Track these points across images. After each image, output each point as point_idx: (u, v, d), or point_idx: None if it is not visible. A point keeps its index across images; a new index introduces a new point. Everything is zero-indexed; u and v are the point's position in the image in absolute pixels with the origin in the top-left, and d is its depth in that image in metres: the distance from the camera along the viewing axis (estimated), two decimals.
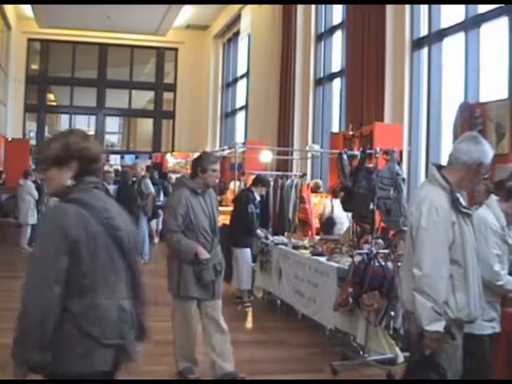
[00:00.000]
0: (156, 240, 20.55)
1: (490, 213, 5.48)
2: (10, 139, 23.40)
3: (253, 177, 12.14)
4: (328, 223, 12.57)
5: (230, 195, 15.66)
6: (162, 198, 19.15)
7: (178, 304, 7.05)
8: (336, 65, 17.69)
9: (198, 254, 6.65)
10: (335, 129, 17.03)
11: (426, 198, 4.66)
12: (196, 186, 6.84)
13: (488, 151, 4.73)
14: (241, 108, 26.53)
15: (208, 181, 6.89)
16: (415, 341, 4.72)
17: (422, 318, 4.43)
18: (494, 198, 5.62)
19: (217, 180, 7.23)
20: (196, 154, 21.64)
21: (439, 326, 4.40)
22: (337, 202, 11.30)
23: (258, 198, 11.48)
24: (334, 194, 12.42)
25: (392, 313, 7.52)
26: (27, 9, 26.88)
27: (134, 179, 16.13)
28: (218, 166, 7.00)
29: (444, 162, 4.89)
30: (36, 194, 18.16)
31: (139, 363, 7.71)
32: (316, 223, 13.07)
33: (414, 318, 4.68)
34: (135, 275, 3.94)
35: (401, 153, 11.27)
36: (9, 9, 26.74)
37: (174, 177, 23.94)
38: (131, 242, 3.84)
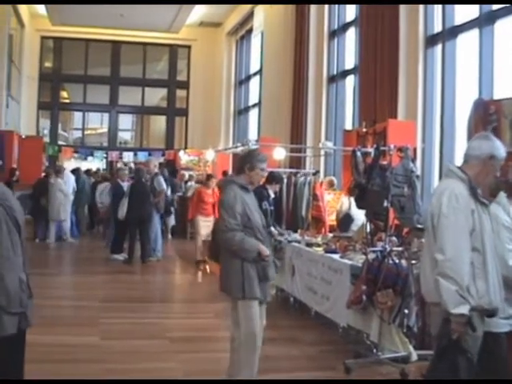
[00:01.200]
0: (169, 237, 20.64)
1: (500, 209, 5.49)
2: (23, 136, 23.46)
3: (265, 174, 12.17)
4: (345, 220, 12.55)
5: None
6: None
7: (243, 308, 6.44)
8: (349, 62, 17.65)
9: (261, 252, 6.32)
10: (348, 126, 16.99)
11: (445, 188, 4.83)
12: (245, 182, 6.56)
13: (498, 145, 4.92)
14: (254, 105, 26.52)
15: (254, 179, 6.63)
16: (441, 327, 4.72)
17: (448, 302, 4.49)
18: (502, 194, 5.63)
19: (329, 179, 7.01)
20: (208, 152, 21.70)
21: (465, 309, 4.48)
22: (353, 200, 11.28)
23: (272, 195, 11.46)
24: (349, 192, 12.41)
25: (406, 311, 7.49)
26: (40, 7, 27.00)
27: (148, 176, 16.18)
28: (266, 165, 6.80)
29: (458, 159, 4.99)
30: (66, 190, 18.46)
31: (153, 360, 7.78)
32: (330, 220, 13.05)
33: (435, 311, 4.72)
34: (24, 250, 4.33)
35: (415, 150, 11.22)
36: (22, 7, 26.85)
37: (187, 174, 24.07)
38: (23, 222, 4.31)
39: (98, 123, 35.14)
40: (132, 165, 26.64)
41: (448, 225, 4.64)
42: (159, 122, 34.12)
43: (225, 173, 20.20)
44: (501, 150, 4.92)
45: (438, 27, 13.17)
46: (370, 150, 10.07)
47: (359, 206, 9.55)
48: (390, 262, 7.76)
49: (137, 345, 8.40)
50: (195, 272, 14.91)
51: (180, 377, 7.11)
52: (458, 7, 12.71)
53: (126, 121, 34.85)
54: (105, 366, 7.28)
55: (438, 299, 4.62)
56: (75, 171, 21.49)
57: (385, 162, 9.23)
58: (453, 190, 4.73)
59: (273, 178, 11.51)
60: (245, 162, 6.66)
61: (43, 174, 20.39)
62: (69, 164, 25.97)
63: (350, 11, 17.59)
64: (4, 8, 23.70)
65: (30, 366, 7.22)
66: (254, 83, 26.76)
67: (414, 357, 7.53)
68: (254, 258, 6.29)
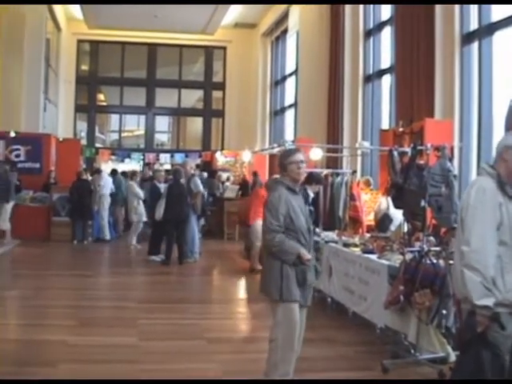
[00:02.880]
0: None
1: None
2: (61, 139, 23.67)
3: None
4: (384, 221, 12.50)
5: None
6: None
7: (281, 310, 6.33)
8: (385, 61, 17.59)
9: (301, 255, 6.18)
10: (385, 126, 16.93)
11: (474, 184, 4.91)
12: (292, 184, 6.39)
13: None
14: (290, 106, 26.51)
15: (293, 176, 6.38)
16: (466, 319, 4.72)
17: (472, 294, 4.49)
18: None
19: (304, 173, 6.57)
20: (245, 153, 21.77)
21: (489, 301, 4.47)
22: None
23: (312, 196, 11.42)
24: (387, 192, 12.36)
25: (444, 311, 7.44)
26: (77, 10, 27.23)
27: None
28: (300, 157, 6.43)
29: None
30: (140, 193, 18.60)
31: (190, 360, 7.81)
32: (367, 221, 13.01)
33: (464, 308, 4.70)
34: None
35: (452, 149, 11.14)
36: (59, 11, 27.11)
37: (223, 175, 24.18)
38: None
39: (134, 125, 35.36)
40: (169, 166, 26.87)
41: (474, 216, 4.66)
42: (196, 124, 34.23)
43: (255, 173, 20.28)
44: None
45: (474, 25, 13.07)
46: (407, 149, 10.03)
47: (396, 206, 9.52)
48: (428, 262, 7.71)
49: (174, 345, 8.44)
50: (233, 273, 14.94)
51: (218, 378, 7.12)
52: (494, 4, 12.61)
53: (162, 122, 35.00)
54: (142, 367, 7.32)
55: (465, 293, 4.61)
56: (113, 173, 21.69)
57: (422, 162, 9.18)
58: (481, 184, 4.77)
59: (312, 178, 11.46)
60: (279, 164, 6.54)
61: (79, 176, 20.55)
62: (106, 166, 26.14)
63: (386, 10, 17.53)
64: (41, 12, 23.97)
65: (70, 366, 7.33)
66: (290, 84, 26.77)
67: (453, 357, 7.47)
68: (293, 261, 6.20)
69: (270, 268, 6.39)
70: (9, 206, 18.37)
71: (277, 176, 7.45)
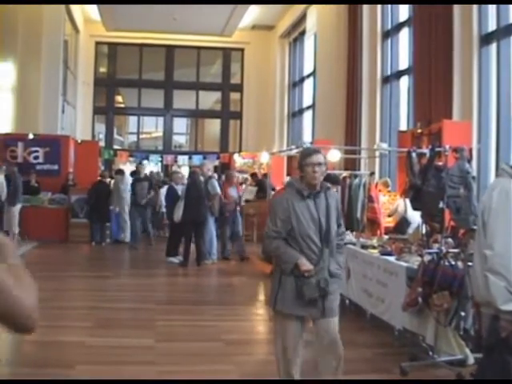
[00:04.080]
0: None
1: None
2: (79, 141, 23.77)
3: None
4: (402, 223, 12.48)
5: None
6: None
7: (275, 320, 6.14)
8: (403, 62, 17.55)
9: (299, 266, 5.72)
10: (403, 127, 16.90)
11: (496, 186, 4.81)
12: (303, 186, 5.91)
13: None
14: (308, 107, 26.50)
15: (308, 179, 5.88)
16: (489, 324, 4.67)
17: (496, 299, 4.44)
18: None
19: (320, 177, 5.88)
20: (263, 154, 21.72)
21: None
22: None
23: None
24: (405, 194, 12.34)
25: (462, 313, 7.41)
26: (94, 12, 27.32)
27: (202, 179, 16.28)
28: (317, 159, 5.89)
29: None
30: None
31: (207, 362, 7.81)
32: (385, 222, 12.99)
33: (485, 312, 4.67)
34: None
35: (470, 150, 11.10)
36: (77, 12, 27.23)
37: (240, 177, 24.19)
38: None
39: (152, 127, 35.48)
40: (187, 168, 26.94)
41: (497, 220, 4.59)
42: (213, 125, 34.29)
43: (265, 175, 20.31)
44: None
45: (492, 26, 13.03)
46: (425, 150, 10.01)
47: (414, 208, 9.50)
48: (446, 263, 7.69)
49: (192, 347, 8.45)
50: (250, 275, 14.95)
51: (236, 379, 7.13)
52: None
53: (180, 124, 35.09)
54: (159, 369, 7.33)
55: (487, 297, 4.58)
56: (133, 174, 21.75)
57: (440, 163, 9.17)
58: (503, 187, 4.70)
59: (329, 179, 11.41)
60: (298, 164, 6.10)
61: (99, 178, 20.61)
62: (125, 168, 26.22)
63: (403, 11, 17.50)
64: (59, 14, 24.07)
65: (88, 367, 7.35)
66: (308, 85, 26.76)
67: (471, 360, 7.44)
68: (291, 271, 5.79)
69: (273, 274, 6.23)
70: (16, 209, 18.36)
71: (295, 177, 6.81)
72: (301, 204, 5.89)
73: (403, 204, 12.59)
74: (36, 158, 21.55)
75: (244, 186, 22.36)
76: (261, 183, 21.87)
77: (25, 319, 2.08)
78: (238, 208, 17.13)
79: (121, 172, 20.62)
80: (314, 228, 5.87)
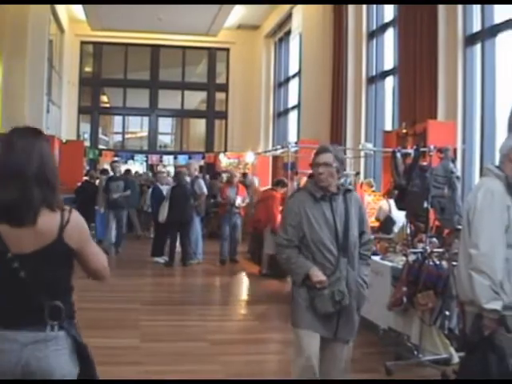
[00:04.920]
0: None
1: None
2: (64, 141, 23.69)
3: (305, 178, 12.09)
4: (387, 223, 12.51)
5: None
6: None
7: (294, 336, 5.52)
8: (388, 63, 17.58)
9: (310, 276, 5.24)
10: (388, 127, 16.93)
11: (481, 185, 4.89)
12: (316, 189, 5.44)
13: None
14: (293, 107, 26.47)
15: (316, 180, 5.50)
16: (473, 322, 4.71)
17: (480, 297, 4.50)
18: None
19: (328, 178, 5.38)
20: (248, 154, 21.67)
21: (497, 305, 4.49)
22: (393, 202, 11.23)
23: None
24: (389, 194, 12.39)
25: (447, 312, 7.45)
26: (80, 12, 27.21)
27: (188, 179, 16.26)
28: (323, 158, 5.49)
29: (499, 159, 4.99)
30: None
31: (193, 362, 7.81)
32: (370, 222, 13.01)
33: (469, 311, 4.71)
34: None
35: (455, 151, 11.15)
36: (61, 12, 27.10)
37: (225, 176, 24.15)
38: None
39: (138, 127, 35.36)
40: (165, 168, 26.91)
41: (482, 219, 4.65)
42: (199, 125, 34.23)
43: (244, 175, 20.29)
44: None
45: (477, 26, 13.06)
46: (410, 150, 10.05)
47: (399, 208, 9.53)
48: (431, 263, 7.73)
49: (177, 347, 8.45)
50: (236, 275, 14.96)
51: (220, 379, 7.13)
52: (497, 6, 12.60)
53: (165, 124, 34.98)
54: (144, 369, 7.34)
55: (471, 296, 4.61)
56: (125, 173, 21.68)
57: (425, 163, 9.20)
58: (488, 187, 4.75)
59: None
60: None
61: (86, 178, 20.53)
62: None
63: (388, 11, 17.52)
64: (44, 14, 23.95)
65: None
66: (293, 85, 26.73)
67: (456, 359, 7.49)
68: (304, 283, 5.33)
69: (291, 287, 5.69)
70: None
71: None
72: (314, 208, 5.40)
73: (387, 204, 12.63)
74: None
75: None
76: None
77: (102, 272, 3.74)
78: (237, 210, 16.70)
79: (105, 172, 20.55)
80: (328, 234, 5.33)
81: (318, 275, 5.24)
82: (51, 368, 3.38)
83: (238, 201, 16.35)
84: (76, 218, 3.52)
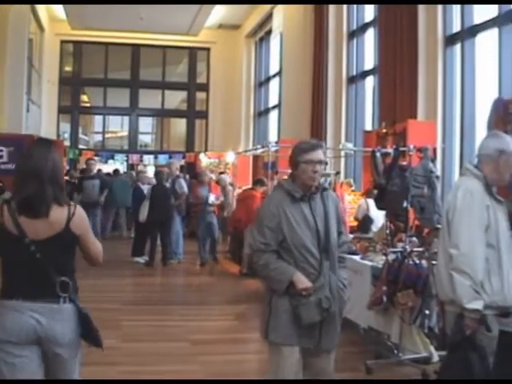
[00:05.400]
0: None
1: None
2: None
3: (285, 177, 12.07)
4: (365, 222, 12.54)
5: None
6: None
7: (270, 352, 5.04)
8: (368, 62, 17.62)
9: (295, 283, 4.75)
10: (368, 127, 16.97)
11: (460, 185, 4.90)
12: (294, 187, 4.95)
13: (507, 141, 4.93)
14: (274, 107, 26.49)
15: (304, 179, 4.92)
16: (455, 322, 4.73)
17: (461, 297, 4.52)
18: None
19: (319, 178, 5.00)
20: (229, 154, 21.56)
21: (479, 305, 4.51)
22: (372, 201, 11.25)
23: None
24: (367, 194, 12.44)
25: (426, 311, 7.48)
26: (60, 11, 27.08)
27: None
28: (319, 155, 4.95)
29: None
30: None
31: (173, 362, 7.79)
32: (350, 221, 13.04)
33: (449, 310, 4.74)
34: None
35: (434, 150, 11.18)
36: (42, 11, 26.97)
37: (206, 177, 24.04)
38: None
39: (118, 126, 35.26)
40: (153, 167, 26.86)
41: (462, 219, 4.67)
42: (179, 125, 34.18)
43: (221, 173, 20.27)
44: (510, 144, 4.91)
45: (456, 27, 13.13)
46: (390, 150, 10.06)
47: (379, 207, 9.53)
48: (411, 262, 7.75)
49: (157, 347, 8.43)
50: (217, 274, 14.96)
51: (201, 379, 7.12)
52: (476, 6, 12.67)
53: (146, 124, 34.91)
54: (123, 369, 7.31)
55: (451, 296, 4.64)
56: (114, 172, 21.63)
57: (404, 163, 9.22)
58: (468, 187, 4.77)
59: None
60: (290, 160, 5.10)
61: (66, 178, 20.46)
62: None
63: (369, 11, 17.57)
64: (24, 12, 23.82)
65: None
66: (274, 85, 26.75)
67: (436, 357, 7.52)
68: (286, 291, 4.83)
69: (264, 298, 5.13)
70: None
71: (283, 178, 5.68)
72: (293, 208, 4.92)
73: (365, 203, 12.68)
74: (0, 157, 21.33)
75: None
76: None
77: (98, 257, 4.62)
78: (211, 209, 16.53)
79: (85, 171, 20.49)
80: (310, 236, 4.88)
81: (303, 281, 4.76)
82: (61, 333, 4.23)
83: (212, 198, 16.24)
84: (79, 211, 4.35)
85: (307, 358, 4.99)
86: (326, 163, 5.50)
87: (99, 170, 22.27)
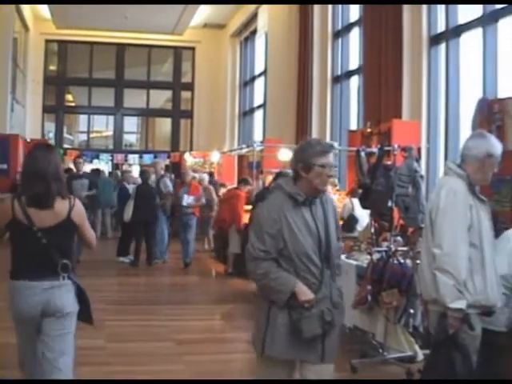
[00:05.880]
0: None
1: None
2: (28, 140, 23.47)
3: (270, 177, 12.09)
4: (350, 221, 12.56)
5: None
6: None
7: (261, 367, 4.70)
8: (353, 62, 17.65)
9: (297, 295, 4.37)
10: (353, 126, 17.00)
11: (444, 185, 4.89)
12: (297, 190, 4.55)
13: (495, 143, 4.93)
14: (259, 106, 26.52)
15: (315, 183, 4.53)
16: (438, 322, 4.76)
17: (445, 297, 4.53)
18: None
19: (331, 180, 4.56)
20: (214, 153, 21.54)
21: (462, 304, 4.52)
22: (357, 200, 11.26)
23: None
24: (352, 193, 12.46)
25: (411, 310, 7.51)
26: (45, 10, 27.02)
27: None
28: (330, 159, 4.64)
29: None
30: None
31: (159, 362, 7.78)
32: None
33: (433, 310, 4.75)
34: None
35: (419, 150, 11.22)
36: (26, 10, 26.89)
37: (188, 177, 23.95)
38: None
39: (103, 126, 35.17)
40: (138, 167, 26.84)
41: (445, 219, 4.68)
42: (164, 124, 34.15)
43: (211, 174, 20.25)
44: (498, 147, 4.94)
45: (441, 27, 13.18)
46: (375, 150, 10.09)
47: (364, 206, 9.54)
48: (395, 261, 7.77)
49: (143, 347, 8.41)
50: (202, 274, 14.95)
51: (186, 379, 7.11)
52: (461, 6, 12.72)
53: (131, 123, 34.81)
54: (109, 369, 7.29)
55: (435, 295, 4.65)
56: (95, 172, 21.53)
57: (389, 162, 9.24)
58: (451, 186, 4.77)
59: (281, 177, 11.35)
60: (297, 160, 4.64)
61: None
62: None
63: (354, 11, 17.60)
64: (8, 12, 23.75)
65: None
66: (259, 84, 26.78)
67: (420, 356, 7.53)
68: (286, 303, 4.44)
69: (258, 309, 4.76)
70: None
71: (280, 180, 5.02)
72: (294, 213, 4.53)
73: (350, 203, 12.71)
74: None
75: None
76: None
77: (92, 242, 5.39)
78: (188, 210, 15.92)
79: (70, 171, 20.36)
80: (312, 243, 4.51)
81: (306, 293, 4.39)
82: (62, 305, 5.08)
83: (188, 200, 15.86)
84: (78, 203, 5.18)
85: (306, 369, 4.63)
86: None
87: (97, 170, 22.20)
